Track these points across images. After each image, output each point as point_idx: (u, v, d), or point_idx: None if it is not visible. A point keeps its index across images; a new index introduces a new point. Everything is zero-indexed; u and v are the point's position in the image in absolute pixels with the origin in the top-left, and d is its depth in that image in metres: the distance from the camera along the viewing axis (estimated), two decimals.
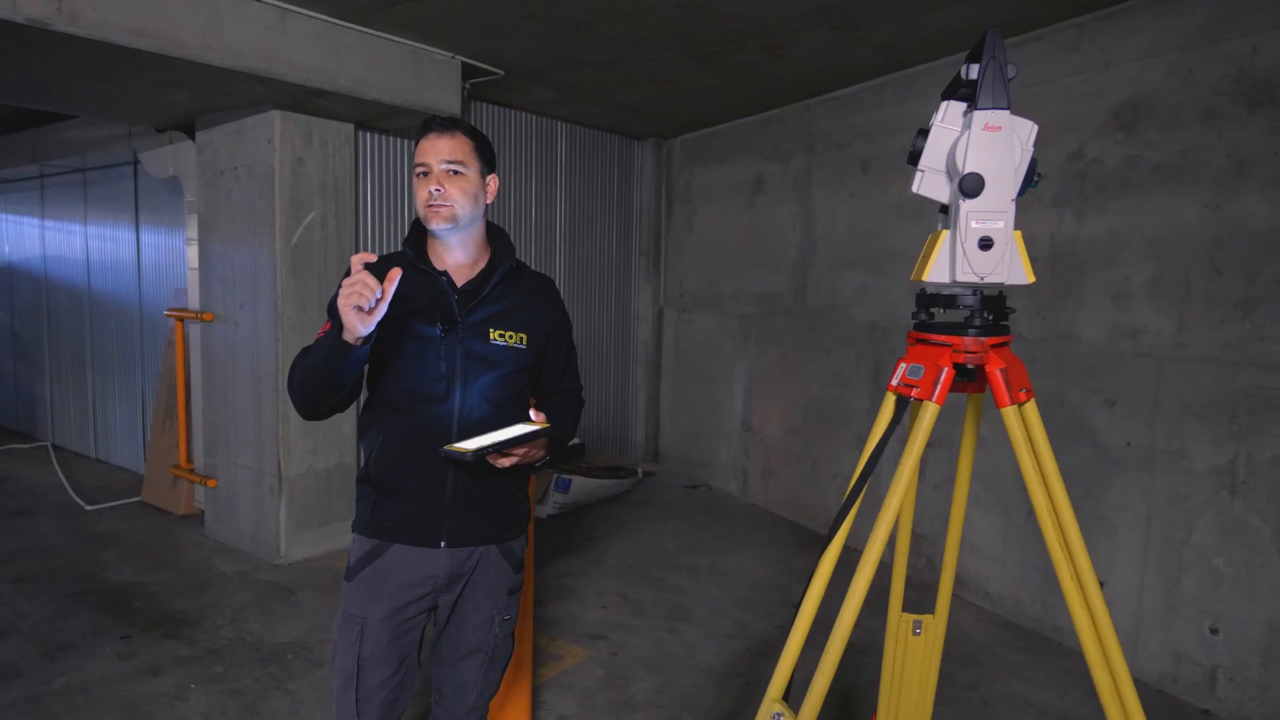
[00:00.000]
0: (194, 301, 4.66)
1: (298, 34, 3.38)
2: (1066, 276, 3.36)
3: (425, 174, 1.64)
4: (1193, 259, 2.96)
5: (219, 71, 3.24)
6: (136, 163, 5.23)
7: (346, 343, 1.47)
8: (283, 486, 4.03)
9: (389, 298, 1.44)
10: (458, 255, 1.70)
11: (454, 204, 1.62)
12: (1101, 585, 3.23)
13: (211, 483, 4.43)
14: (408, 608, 1.70)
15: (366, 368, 1.73)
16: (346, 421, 4.24)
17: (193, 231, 4.61)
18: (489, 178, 1.71)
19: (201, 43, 3.09)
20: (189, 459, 4.77)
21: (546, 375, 1.85)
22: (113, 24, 2.83)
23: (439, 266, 1.70)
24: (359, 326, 1.43)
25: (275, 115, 3.86)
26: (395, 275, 1.44)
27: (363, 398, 1.79)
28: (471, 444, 1.53)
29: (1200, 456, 2.94)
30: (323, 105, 3.82)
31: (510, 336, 1.71)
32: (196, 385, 4.71)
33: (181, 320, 4.70)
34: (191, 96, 3.75)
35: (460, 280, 1.70)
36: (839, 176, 4.61)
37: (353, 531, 1.77)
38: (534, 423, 1.63)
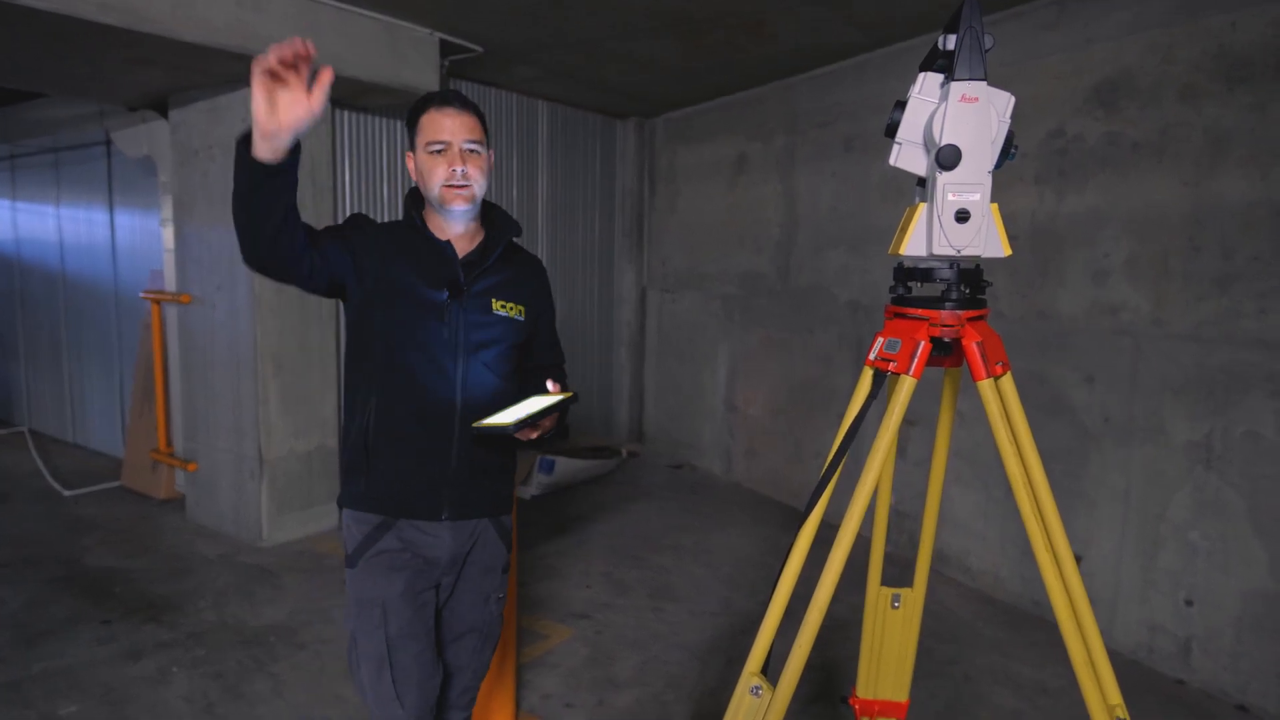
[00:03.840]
0: (170, 283, 4.59)
1: (272, 9, 3.32)
2: (1046, 254, 3.38)
3: (442, 151, 1.60)
4: (1171, 236, 2.97)
5: (191, 48, 3.18)
6: (109, 143, 5.13)
7: (257, 163, 1.28)
8: (264, 469, 4.00)
9: (317, 106, 1.26)
10: (458, 228, 1.68)
11: (475, 185, 1.62)
12: (1080, 559, 3.27)
13: (192, 466, 4.39)
14: (420, 579, 1.67)
15: (353, 323, 1.66)
16: (327, 404, 4.21)
17: (168, 212, 4.54)
18: (489, 153, 1.70)
19: (172, 17, 3.02)
20: (168, 443, 4.72)
21: (536, 349, 1.85)
22: None
23: (440, 237, 1.68)
24: (274, 126, 1.24)
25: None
26: (326, 74, 1.28)
27: (344, 374, 1.76)
28: (503, 417, 1.50)
29: (1177, 432, 2.97)
30: None
31: (510, 308, 1.70)
32: (175, 368, 4.65)
33: (158, 303, 4.64)
34: (164, 74, 3.67)
35: (460, 252, 1.68)
36: (822, 155, 4.59)
37: (345, 506, 1.69)
38: (552, 394, 1.60)
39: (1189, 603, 2.95)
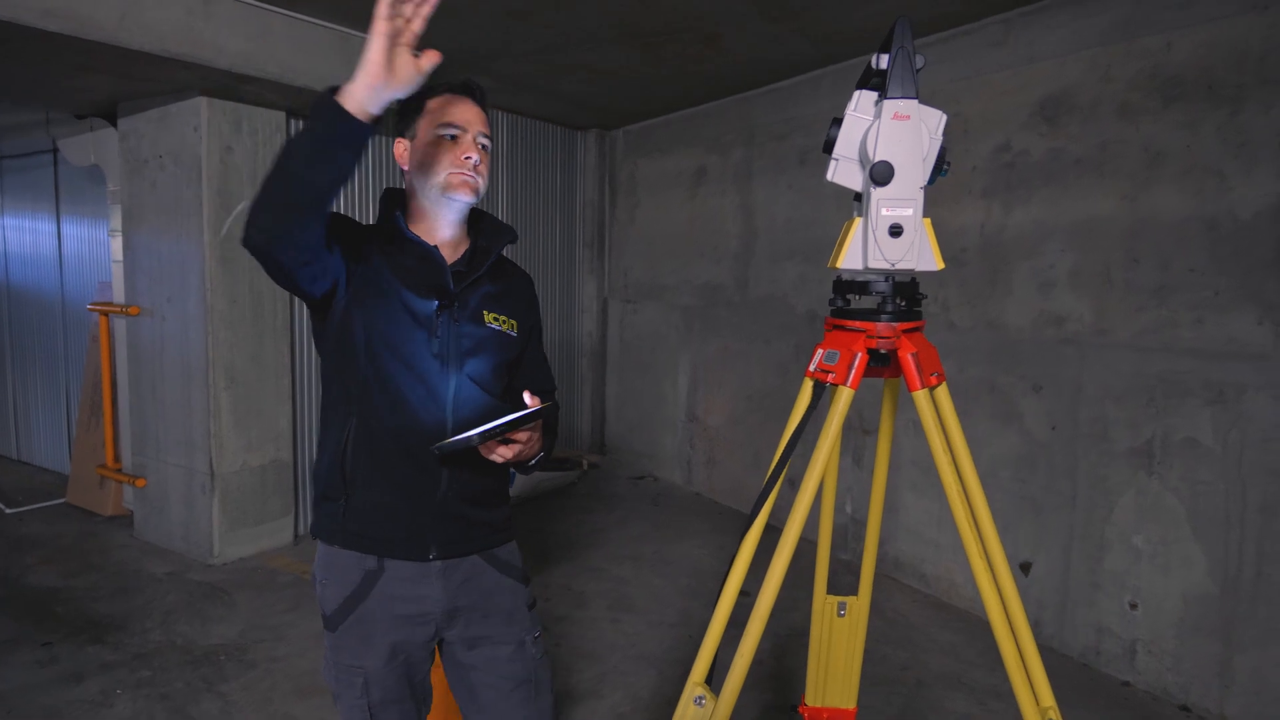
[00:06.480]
0: (119, 295, 4.49)
1: (222, 17, 3.28)
2: (995, 266, 3.46)
3: (456, 139, 1.46)
4: (1112, 249, 3.07)
5: (139, 55, 3.13)
6: (56, 151, 5.02)
7: (346, 114, 1.18)
8: (215, 484, 3.92)
9: (426, 69, 1.20)
10: (445, 233, 1.50)
11: (483, 180, 1.48)
12: (1030, 565, 3.33)
13: (140, 482, 4.29)
14: (407, 641, 1.51)
15: (327, 357, 1.49)
16: (281, 416, 4.14)
17: (116, 222, 4.44)
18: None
19: (119, 24, 2.97)
20: (116, 458, 4.60)
21: (523, 374, 1.67)
22: (20, 2, 2.70)
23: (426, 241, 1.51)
24: (385, 80, 1.18)
25: (202, 102, 3.73)
26: (433, 56, 1.22)
27: (318, 393, 1.62)
28: (468, 432, 1.32)
29: (1119, 439, 3.05)
30: (251, 92, 3.71)
31: (504, 322, 1.55)
32: (123, 381, 4.54)
33: (106, 314, 4.53)
34: (111, 82, 3.60)
35: (446, 260, 1.51)
36: (778, 168, 4.65)
37: (320, 539, 1.52)
38: (529, 405, 1.38)
39: (1133, 605, 3.02)
